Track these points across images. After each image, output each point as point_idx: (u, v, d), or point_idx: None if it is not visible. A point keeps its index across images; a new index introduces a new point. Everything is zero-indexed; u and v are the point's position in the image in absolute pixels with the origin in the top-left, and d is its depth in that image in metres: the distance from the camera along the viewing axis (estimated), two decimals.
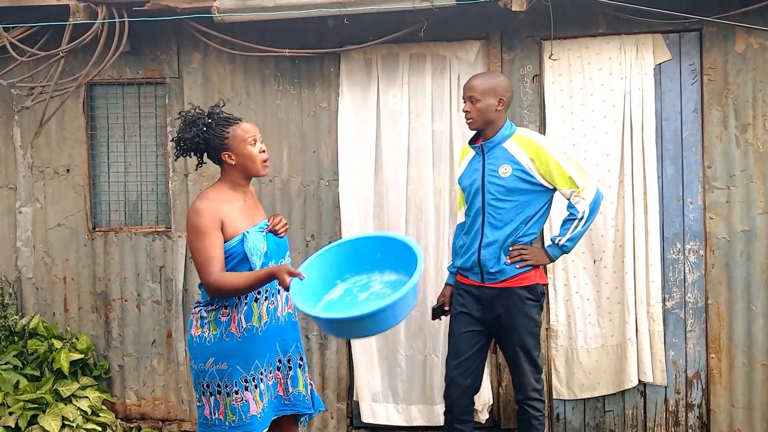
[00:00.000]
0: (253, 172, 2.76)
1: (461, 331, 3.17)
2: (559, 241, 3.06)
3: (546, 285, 3.23)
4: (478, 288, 3.13)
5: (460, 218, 3.31)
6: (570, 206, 3.04)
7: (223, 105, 2.89)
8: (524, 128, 3.26)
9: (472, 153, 3.19)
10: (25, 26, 3.75)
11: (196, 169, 2.96)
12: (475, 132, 3.19)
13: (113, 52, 3.62)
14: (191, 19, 3.71)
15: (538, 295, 3.11)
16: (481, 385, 3.25)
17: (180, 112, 2.83)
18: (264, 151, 2.77)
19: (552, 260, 3.10)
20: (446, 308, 3.28)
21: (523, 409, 3.12)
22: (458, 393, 3.18)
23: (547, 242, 3.14)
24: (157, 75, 4.01)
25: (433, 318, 3.36)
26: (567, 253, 3.12)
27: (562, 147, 3.60)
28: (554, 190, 3.07)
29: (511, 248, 3.05)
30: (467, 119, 3.12)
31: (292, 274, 2.52)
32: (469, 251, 3.14)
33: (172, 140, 2.84)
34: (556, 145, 3.13)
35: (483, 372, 3.28)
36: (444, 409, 3.28)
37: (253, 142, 2.74)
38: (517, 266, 3.05)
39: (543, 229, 3.53)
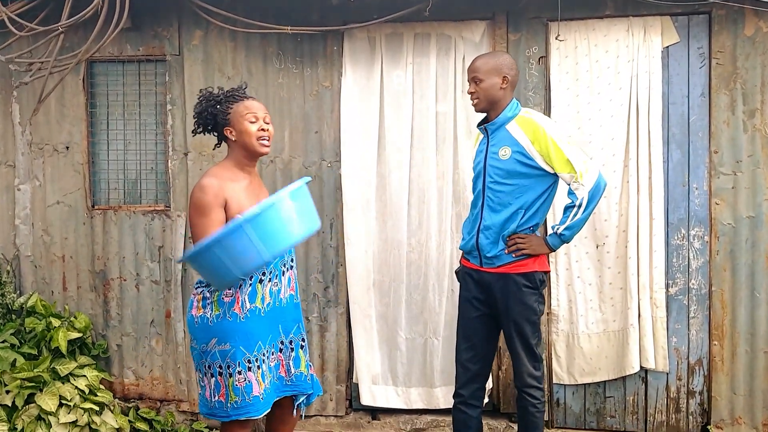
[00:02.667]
0: (250, 148, 2.75)
1: (469, 316, 3.15)
2: (558, 229, 2.99)
3: (547, 272, 3.16)
4: (477, 272, 3.12)
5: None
6: (570, 193, 2.98)
7: (246, 87, 2.91)
8: (530, 109, 3.19)
9: (481, 135, 3.16)
10: (24, 0, 3.70)
11: (214, 148, 2.95)
12: (484, 114, 3.15)
13: (114, 28, 3.56)
14: None
15: (537, 282, 3.05)
16: (490, 370, 3.23)
17: (201, 90, 2.89)
18: (264, 130, 2.75)
19: (552, 250, 3.02)
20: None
21: (521, 396, 3.10)
22: (468, 377, 3.17)
23: (549, 231, 3.10)
24: (158, 52, 3.96)
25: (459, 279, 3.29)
26: (567, 242, 3.04)
27: (565, 129, 3.55)
28: (556, 175, 3.01)
29: (509, 237, 3.01)
30: (472, 100, 3.08)
31: None
32: (469, 234, 3.13)
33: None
34: (557, 126, 3.06)
35: (493, 356, 3.25)
36: (452, 392, 3.26)
37: (253, 119, 2.73)
38: (514, 255, 3.01)
39: (546, 219, 3.48)
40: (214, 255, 2.46)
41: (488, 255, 3.05)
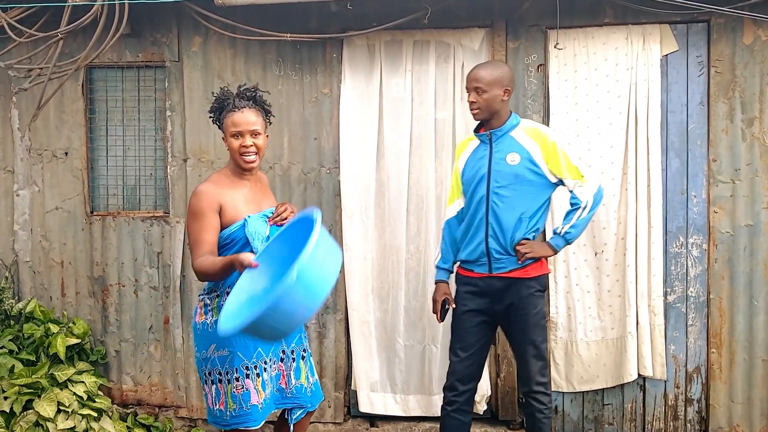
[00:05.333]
0: (237, 164, 2.74)
1: (468, 326, 3.13)
2: (562, 230, 3.04)
3: (548, 274, 3.20)
4: (485, 280, 3.09)
5: (450, 213, 3.27)
6: (573, 197, 3.03)
7: (256, 89, 2.83)
8: (527, 119, 3.23)
9: (475, 143, 3.15)
10: (23, 6, 3.70)
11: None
12: (477, 123, 3.16)
13: (113, 35, 3.56)
14: (192, 1, 3.67)
15: (544, 285, 3.11)
16: (481, 376, 3.23)
17: (221, 88, 2.88)
18: (246, 146, 2.69)
19: (555, 251, 3.06)
20: (452, 305, 3.19)
21: (528, 402, 3.10)
22: (463, 385, 3.15)
23: (549, 235, 3.11)
24: (157, 58, 3.96)
25: (441, 320, 3.24)
26: (570, 242, 3.07)
27: (565, 138, 3.59)
28: (556, 184, 3.05)
29: (515, 248, 3.02)
30: (473, 110, 3.07)
31: (245, 265, 2.41)
32: (474, 242, 3.09)
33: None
34: (562, 137, 3.14)
35: (485, 362, 3.26)
36: (444, 399, 3.24)
37: (236, 134, 2.70)
38: (519, 261, 3.01)
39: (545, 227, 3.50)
40: (268, 322, 2.24)
41: (499, 259, 3.04)
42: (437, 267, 3.27)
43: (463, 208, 3.21)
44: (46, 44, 3.69)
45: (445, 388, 3.21)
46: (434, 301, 3.23)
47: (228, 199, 2.67)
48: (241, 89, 2.79)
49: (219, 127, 2.82)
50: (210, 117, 2.85)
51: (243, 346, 2.67)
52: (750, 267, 3.62)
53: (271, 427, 3.29)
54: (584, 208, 3.00)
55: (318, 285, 2.26)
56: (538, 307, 3.05)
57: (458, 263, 3.22)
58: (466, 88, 3.10)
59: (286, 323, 2.26)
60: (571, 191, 3.03)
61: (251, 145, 2.71)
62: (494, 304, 3.08)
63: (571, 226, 3.03)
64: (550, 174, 3.02)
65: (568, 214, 3.06)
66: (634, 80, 3.62)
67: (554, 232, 3.08)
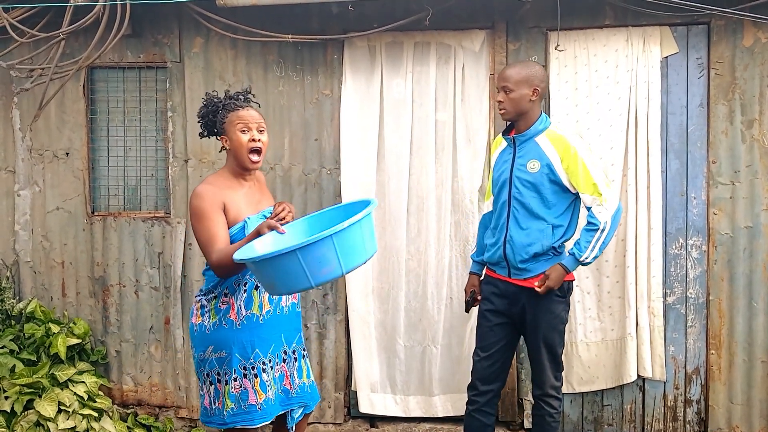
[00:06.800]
0: (240, 161, 2.71)
1: (488, 325, 3.13)
2: (581, 257, 2.93)
3: (572, 281, 3.12)
4: (504, 282, 3.09)
5: (486, 208, 3.29)
6: (591, 215, 2.93)
7: (249, 92, 2.85)
8: (559, 124, 3.17)
9: (503, 144, 3.14)
10: (25, 7, 3.71)
11: (220, 151, 2.90)
12: (507, 123, 3.15)
13: (114, 35, 3.57)
14: (193, 2, 3.68)
15: (565, 291, 3.04)
16: (506, 379, 3.22)
17: (207, 93, 2.86)
18: (255, 141, 2.69)
19: (568, 271, 2.97)
20: (478, 297, 3.22)
21: (539, 405, 3.10)
22: (483, 385, 3.14)
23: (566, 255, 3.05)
24: (158, 59, 3.97)
25: (467, 310, 3.29)
26: (585, 265, 3.01)
27: (594, 151, 3.51)
28: (577, 194, 3.00)
29: (535, 283, 2.97)
30: (500, 109, 3.05)
31: (272, 228, 2.47)
32: (495, 245, 3.10)
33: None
34: (588, 147, 3.03)
35: (509, 366, 3.24)
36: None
37: (244, 129, 2.69)
38: (542, 289, 2.95)
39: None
40: (296, 261, 2.32)
41: (519, 266, 3.01)
42: (472, 259, 3.32)
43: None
44: (48, 45, 3.70)
45: (468, 387, 3.22)
46: (465, 291, 3.31)
47: (229, 200, 2.67)
48: (235, 92, 2.81)
49: (210, 132, 2.80)
50: (200, 122, 2.80)
51: (241, 348, 2.68)
52: (749, 268, 3.63)
53: (268, 427, 3.29)
54: (603, 231, 2.89)
55: (356, 249, 2.36)
56: (555, 312, 3.01)
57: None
58: (496, 87, 3.08)
59: (312, 270, 2.32)
60: (588, 208, 2.94)
61: (259, 140, 2.70)
62: (512, 306, 3.08)
63: (591, 251, 2.92)
64: (567, 183, 2.95)
65: (586, 233, 2.94)
66: (634, 82, 3.63)
67: (571, 254, 2.96)
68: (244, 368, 2.69)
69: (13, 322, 3.98)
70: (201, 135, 2.87)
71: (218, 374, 2.70)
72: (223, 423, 2.72)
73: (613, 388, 3.76)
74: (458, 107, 3.78)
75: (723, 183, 3.63)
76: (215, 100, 2.79)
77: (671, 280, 3.70)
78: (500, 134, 3.19)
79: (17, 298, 4.09)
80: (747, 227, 3.62)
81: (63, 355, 3.77)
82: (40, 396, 3.64)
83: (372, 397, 3.90)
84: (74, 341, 3.87)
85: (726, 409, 3.69)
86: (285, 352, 2.80)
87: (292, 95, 3.89)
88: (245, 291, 2.70)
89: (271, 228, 2.47)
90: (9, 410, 3.59)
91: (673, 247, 3.70)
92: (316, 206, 3.84)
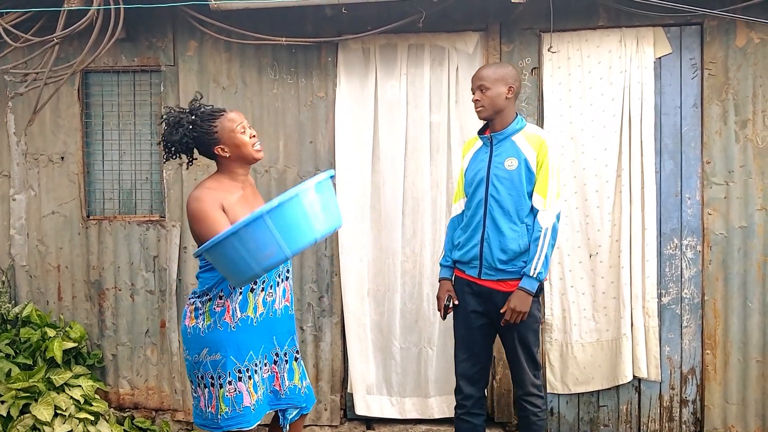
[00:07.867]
0: (249, 159, 2.75)
1: (468, 328, 3.14)
2: (534, 271, 2.94)
3: (545, 280, 3.16)
4: (475, 283, 3.10)
5: (456, 210, 3.26)
6: (534, 221, 2.97)
7: (201, 98, 2.83)
8: (534, 125, 3.20)
9: (478, 144, 3.15)
10: (19, 11, 3.71)
11: (187, 168, 2.90)
12: (483, 123, 3.16)
13: (108, 39, 3.57)
14: (187, 6, 3.67)
15: (537, 291, 3.04)
16: (489, 377, 3.22)
17: (161, 116, 2.78)
18: (254, 136, 2.75)
19: (533, 294, 2.97)
20: (455, 302, 3.19)
21: (522, 406, 3.11)
22: (468, 387, 3.16)
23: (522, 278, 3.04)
24: (153, 63, 3.97)
25: (444, 317, 3.24)
26: (541, 281, 3.00)
27: (561, 160, 3.58)
28: None
29: (502, 311, 2.98)
30: (477, 108, 3.07)
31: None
32: (468, 244, 3.10)
33: (158, 143, 2.80)
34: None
35: (490, 363, 3.26)
36: (446, 402, 3.25)
37: (242, 129, 2.72)
38: (512, 320, 2.97)
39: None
40: (232, 247, 2.26)
41: (495, 266, 3.01)
42: (441, 265, 3.28)
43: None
44: (42, 49, 3.70)
45: (455, 391, 3.23)
46: (438, 299, 3.24)
47: (227, 203, 2.67)
48: (188, 107, 2.75)
49: (186, 150, 2.74)
50: (174, 144, 2.71)
51: (236, 350, 2.68)
52: (744, 268, 3.63)
53: (265, 429, 3.30)
54: (545, 236, 2.93)
55: (299, 226, 2.26)
56: (530, 311, 3.01)
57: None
58: (471, 89, 3.10)
59: (253, 254, 2.25)
60: (535, 213, 2.98)
61: (255, 135, 2.76)
62: (487, 305, 3.09)
63: (537, 261, 2.94)
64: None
65: (532, 246, 2.96)
66: (627, 83, 3.63)
67: (525, 274, 2.96)
68: (239, 371, 2.69)
69: (8, 327, 3.98)
70: (167, 159, 2.78)
71: (212, 377, 2.70)
72: (218, 427, 2.72)
73: (609, 389, 3.76)
74: (452, 109, 3.79)
75: (717, 183, 3.63)
76: (185, 118, 2.70)
77: (666, 280, 3.71)
78: (473, 136, 3.21)
79: (13, 302, 4.09)
80: (741, 227, 3.62)
81: (59, 359, 3.77)
82: (36, 400, 3.64)
83: (368, 399, 3.90)
84: (70, 345, 3.87)
85: (721, 409, 3.70)
86: (276, 354, 2.80)
87: (286, 98, 3.89)
88: (240, 293, 2.70)
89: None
90: (5, 415, 3.59)
91: (668, 247, 3.70)
92: None
